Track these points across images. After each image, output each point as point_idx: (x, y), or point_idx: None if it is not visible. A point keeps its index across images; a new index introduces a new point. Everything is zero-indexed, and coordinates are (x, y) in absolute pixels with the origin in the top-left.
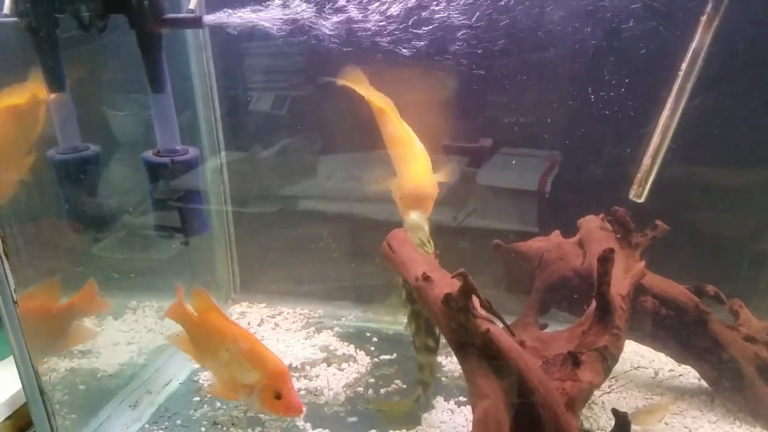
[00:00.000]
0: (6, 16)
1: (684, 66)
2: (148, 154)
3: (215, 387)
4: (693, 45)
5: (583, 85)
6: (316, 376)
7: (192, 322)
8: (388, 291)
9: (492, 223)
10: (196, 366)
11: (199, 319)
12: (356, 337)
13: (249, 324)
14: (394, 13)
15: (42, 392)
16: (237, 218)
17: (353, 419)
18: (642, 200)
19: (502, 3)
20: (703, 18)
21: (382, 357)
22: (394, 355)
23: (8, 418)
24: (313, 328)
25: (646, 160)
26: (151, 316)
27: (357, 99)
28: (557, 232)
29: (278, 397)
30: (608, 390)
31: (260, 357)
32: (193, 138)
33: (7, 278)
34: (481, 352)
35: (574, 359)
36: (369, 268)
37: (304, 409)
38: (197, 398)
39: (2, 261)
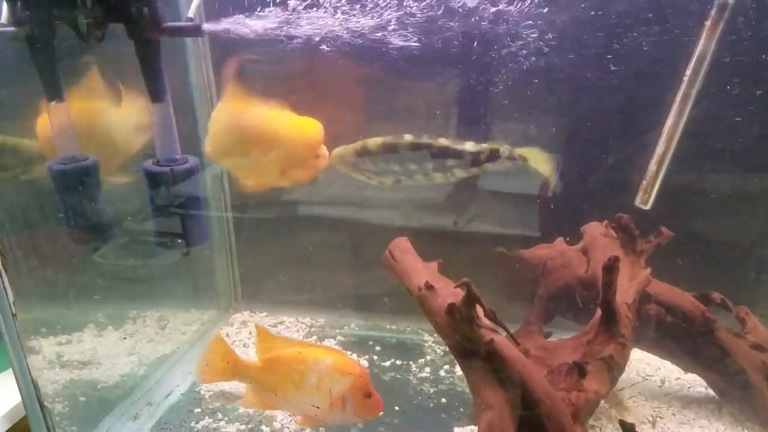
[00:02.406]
0: (3, 25)
1: (688, 72)
2: (148, 164)
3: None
4: (697, 50)
5: (585, 90)
6: None
7: (257, 370)
8: (391, 299)
9: (493, 228)
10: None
11: (265, 363)
12: (358, 346)
13: (250, 334)
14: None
15: (42, 405)
16: (238, 226)
17: (357, 428)
18: (648, 207)
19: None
20: (707, 23)
21: (384, 365)
22: (397, 363)
23: (8, 430)
24: (315, 337)
25: (652, 167)
26: (151, 326)
27: (361, 104)
28: (561, 239)
29: (368, 396)
30: (615, 400)
31: (347, 362)
32: (193, 146)
33: (6, 291)
34: (485, 363)
35: (579, 369)
36: (371, 275)
37: None
38: (198, 409)
39: (1, 274)
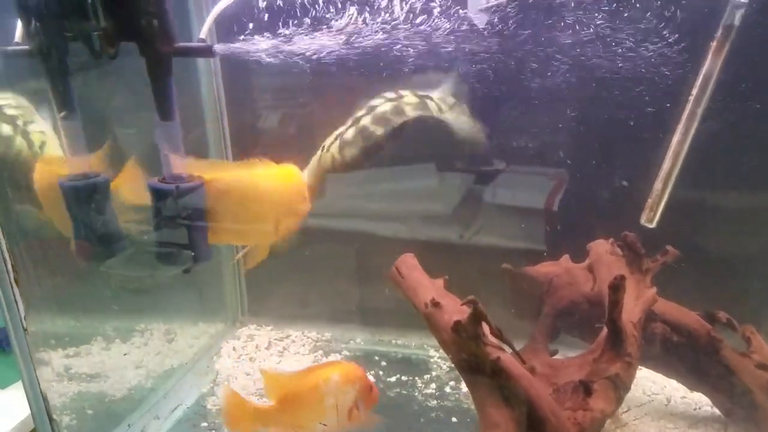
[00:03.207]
0: (18, 44)
1: (695, 91)
2: (154, 181)
3: None
4: (703, 70)
5: (591, 107)
6: None
7: (276, 413)
8: (397, 314)
9: (499, 241)
10: (204, 391)
11: (281, 404)
12: (365, 360)
13: (257, 347)
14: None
15: (50, 417)
16: None
17: None
18: (653, 225)
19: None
20: (713, 43)
21: (390, 380)
22: (403, 378)
23: None
24: (321, 352)
25: (657, 185)
26: (159, 339)
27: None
28: (567, 256)
29: (371, 389)
30: (621, 420)
31: (350, 371)
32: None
33: (17, 305)
34: (491, 380)
35: (585, 388)
36: (378, 290)
37: None
38: (205, 423)
39: (12, 288)
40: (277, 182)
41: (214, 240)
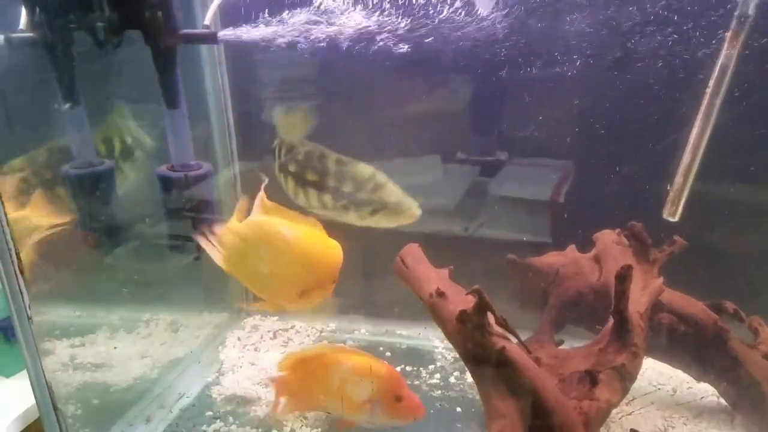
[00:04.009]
0: (22, 31)
1: (711, 83)
2: (162, 169)
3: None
4: (719, 62)
5: (600, 98)
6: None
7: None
8: (401, 304)
9: (504, 234)
10: (209, 380)
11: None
12: (369, 351)
13: (261, 337)
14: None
15: (55, 407)
16: None
17: None
18: (676, 219)
19: (521, 15)
20: (728, 34)
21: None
22: (407, 369)
23: None
24: (325, 342)
25: (678, 179)
26: (164, 329)
27: (371, 108)
28: (573, 246)
29: (398, 399)
30: (627, 409)
31: (371, 366)
32: (206, 150)
33: (21, 294)
34: (496, 371)
35: (591, 378)
36: (382, 281)
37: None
38: (210, 413)
39: (17, 277)
40: (320, 253)
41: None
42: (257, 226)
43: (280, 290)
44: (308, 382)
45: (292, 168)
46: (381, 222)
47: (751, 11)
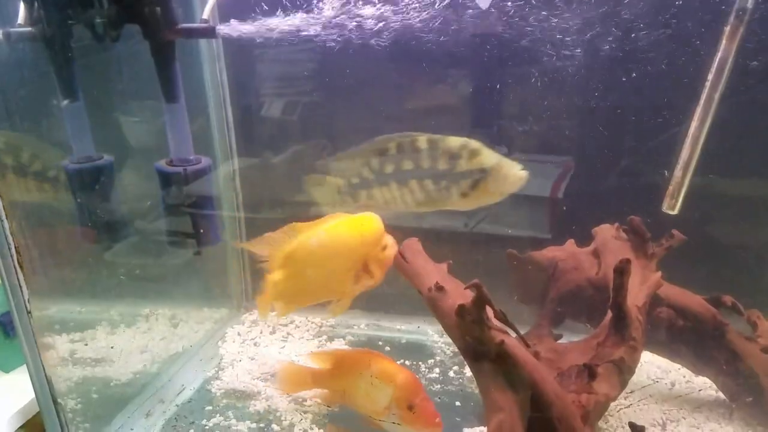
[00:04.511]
0: (21, 26)
1: (710, 76)
2: (161, 164)
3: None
4: (718, 55)
5: (599, 93)
6: None
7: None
8: (401, 299)
9: (504, 229)
10: (209, 375)
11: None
12: (368, 346)
13: (261, 332)
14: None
15: (55, 401)
16: (249, 225)
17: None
18: (675, 212)
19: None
20: (727, 28)
21: None
22: (406, 363)
23: (22, 427)
24: (325, 337)
25: (677, 172)
26: (164, 324)
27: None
28: (571, 241)
29: (411, 408)
30: (625, 403)
31: (390, 371)
32: (206, 145)
33: (21, 288)
34: (495, 364)
35: (590, 371)
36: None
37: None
38: (210, 407)
39: (16, 271)
40: (353, 234)
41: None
42: (299, 247)
43: (338, 285)
44: (340, 379)
45: (388, 169)
46: (485, 195)
47: (749, 5)
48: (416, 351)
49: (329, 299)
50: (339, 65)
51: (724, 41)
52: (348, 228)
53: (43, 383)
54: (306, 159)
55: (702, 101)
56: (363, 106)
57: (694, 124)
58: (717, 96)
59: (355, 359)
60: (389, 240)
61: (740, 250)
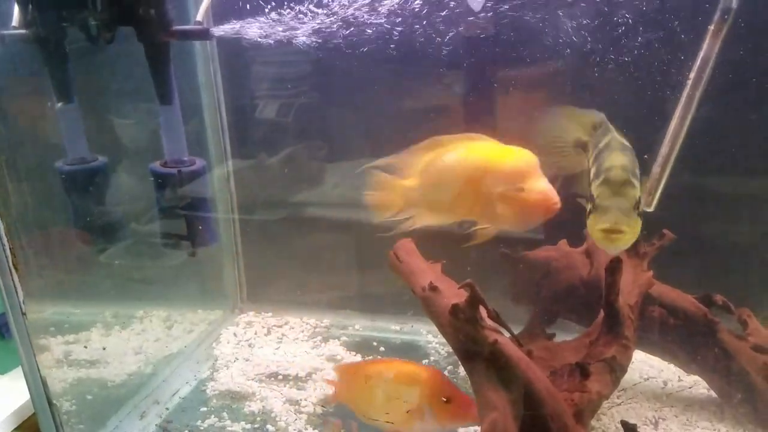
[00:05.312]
0: (15, 28)
1: (692, 75)
2: (156, 165)
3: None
4: (701, 54)
5: (587, 92)
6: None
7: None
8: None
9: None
10: (204, 376)
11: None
12: (363, 347)
13: (256, 333)
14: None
15: (50, 402)
16: (244, 226)
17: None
18: (651, 209)
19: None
20: (711, 27)
21: None
22: None
23: (17, 428)
24: (319, 338)
25: (655, 169)
26: (158, 326)
27: (362, 105)
28: (564, 241)
29: (448, 400)
30: (617, 401)
31: (412, 371)
32: (200, 147)
33: (16, 290)
34: (489, 363)
35: (582, 370)
36: (376, 276)
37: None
38: (204, 408)
39: (11, 273)
40: (490, 160)
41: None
42: (435, 158)
43: (470, 209)
44: (357, 396)
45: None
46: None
47: (734, 5)
48: (411, 351)
49: (464, 220)
50: (334, 66)
51: (707, 40)
52: (489, 153)
53: (38, 385)
54: (301, 160)
55: (682, 100)
56: (358, 107)
57: (673, 123)
58: (698, 95)
59: (367, 372)
60: (537, 185)
61: (730, 248)
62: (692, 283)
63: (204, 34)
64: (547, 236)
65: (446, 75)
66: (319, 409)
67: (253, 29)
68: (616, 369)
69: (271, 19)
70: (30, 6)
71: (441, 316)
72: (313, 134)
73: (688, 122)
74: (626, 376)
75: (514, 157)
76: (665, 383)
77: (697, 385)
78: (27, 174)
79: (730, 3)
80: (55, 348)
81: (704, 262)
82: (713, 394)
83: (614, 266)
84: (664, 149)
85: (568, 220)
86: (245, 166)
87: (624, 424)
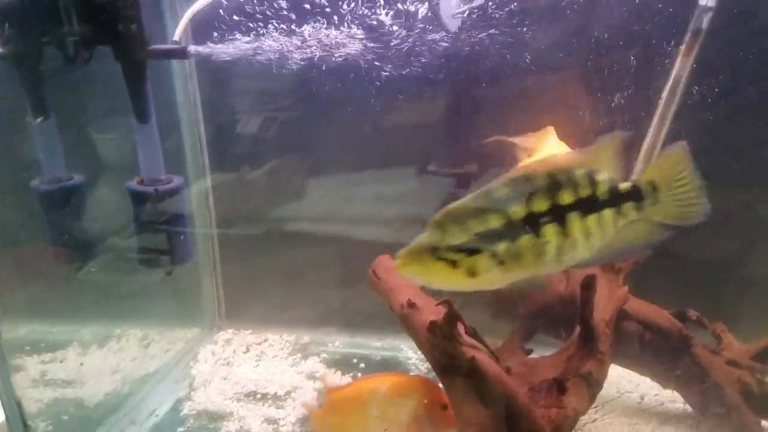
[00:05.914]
0: None
1: (665, 94)
2: (133, 183)
3: None
4: (673, 72)
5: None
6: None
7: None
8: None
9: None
10: (180, 396)
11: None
12: (343, 363)
13: (234, 352)
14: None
15: (25, 424)
16: (223, 242)
17: None
18: None
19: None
20: (682, 47)
21: None
22: None
23: None
24: (299, 355)
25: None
26: (135, 344)
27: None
28: None
29: (444, 407)
30: (594, 417)
31: (405, 383)
32: (178, 164)
33: None
34: (467, 380)
35: (559, 385)
36: (356, 293)
37: None
38: (181, 429)
39: None
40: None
41: None
42: None
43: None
44: (346, 420)
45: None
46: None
47: (704, 25)
48: (391, 368)
49: None
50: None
51: (679, 59)
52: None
53: (12, 405)
54: (284, 173)
55: (655, 118)
56: (338, 123)
57: (647, 140)
58: (671, 113)
59: (355, 393)
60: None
61: (704, 263)
62: (667, 298)
63: (181, 53)
64: None
65: (425, 93)
66: (297, 429)
67: (230, 49)
68: (592, 384)
69: (249, 37)
70: (7, 24)
71: (419, 332)
72: (295, 148)
73: (661, 140)
74: (603, 391)
75: None
76: (642, 397)
77: (673, 399)
78: (1, 191)
79: (700, 24)
80: (30, 368)
81: (679, 277)
82: (689, 408)
83: (588, 282)
84: (638, 167)
85: None
86: (225, 181)
87: None
